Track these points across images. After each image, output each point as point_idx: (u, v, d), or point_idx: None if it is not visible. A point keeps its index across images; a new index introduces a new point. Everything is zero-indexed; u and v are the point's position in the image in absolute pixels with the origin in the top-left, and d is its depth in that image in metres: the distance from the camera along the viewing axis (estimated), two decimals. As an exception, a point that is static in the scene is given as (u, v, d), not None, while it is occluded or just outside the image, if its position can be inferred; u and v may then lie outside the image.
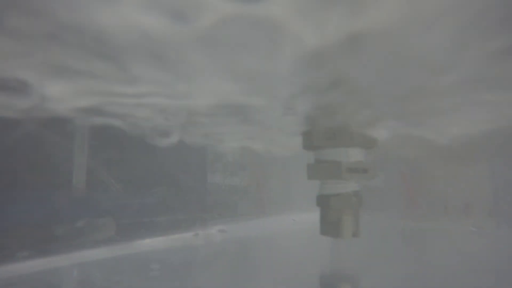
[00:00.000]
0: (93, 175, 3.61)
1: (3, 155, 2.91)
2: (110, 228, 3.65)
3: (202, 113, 2.68)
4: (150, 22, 1.37)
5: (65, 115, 2.58)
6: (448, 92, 2.07)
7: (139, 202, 4.04)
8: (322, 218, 2.97)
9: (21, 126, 3.02)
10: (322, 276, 2.74)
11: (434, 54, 1.60)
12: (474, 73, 1.79)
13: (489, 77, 1.88)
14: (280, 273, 2.71)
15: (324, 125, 2.90)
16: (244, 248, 3.81)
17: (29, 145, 3.07)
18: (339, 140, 2.82)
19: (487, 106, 2.40)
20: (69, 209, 3.33)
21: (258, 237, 4.47)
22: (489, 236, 4.28)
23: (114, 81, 2.00)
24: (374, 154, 3.11)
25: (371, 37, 1.43)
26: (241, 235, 4.60)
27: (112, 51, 1.64)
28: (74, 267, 2.91)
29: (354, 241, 3.49)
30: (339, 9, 1.27)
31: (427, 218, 5.37)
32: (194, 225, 4.60)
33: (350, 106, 2.44)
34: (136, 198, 4.03)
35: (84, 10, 1.35)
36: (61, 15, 1.37)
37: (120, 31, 1.45)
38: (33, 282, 2.49)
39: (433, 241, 4.03)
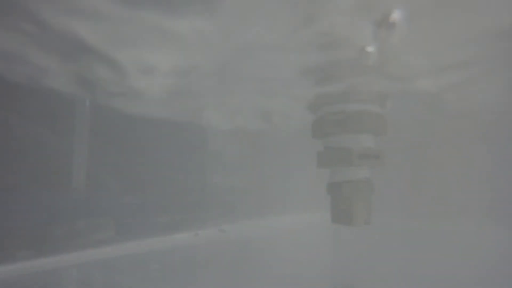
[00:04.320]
0: (93, 175, 3.61)
1: (3, 155, 2.91)
2: (110, 228, 3.65)
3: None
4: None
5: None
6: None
7: (139, 202, 4.04)
8: (333, 206, 2.94)
9: (21, 126, 3.02)
10: (322, 276, 2.73)
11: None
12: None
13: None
14: (280, 272, 2.71)
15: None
16: (244, 248, 3.81)
17: (29, 145, 3.07)
18: (349, 126, 2.79)
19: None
20: (69, 209, 3.33)
21: (258, 237, 4.47)
22: (489, 236, 4.28)
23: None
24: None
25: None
26: (241, 235, 4.60)
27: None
28: (74, 267, 2.91)
29: (354, 240, 3.49)
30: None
31: (427, 217, 5.37)
32: (194, 225, 4.59)
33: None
34: (136, 198, 4.03)
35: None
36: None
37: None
38: (33, 282, 2.49)
39: (433, 241, 4.03)
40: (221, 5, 1.84)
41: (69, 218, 3.32)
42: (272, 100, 3.55)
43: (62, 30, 2.08)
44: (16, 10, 1.89)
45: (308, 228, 5.42)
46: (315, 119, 3.11)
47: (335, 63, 2.47)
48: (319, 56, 2.36)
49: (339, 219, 2.89)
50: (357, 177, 2.83)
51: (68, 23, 2.01)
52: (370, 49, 2.26)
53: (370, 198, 2.87)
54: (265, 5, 1.82)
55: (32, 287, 2.39)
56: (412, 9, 1.89)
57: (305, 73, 2.68)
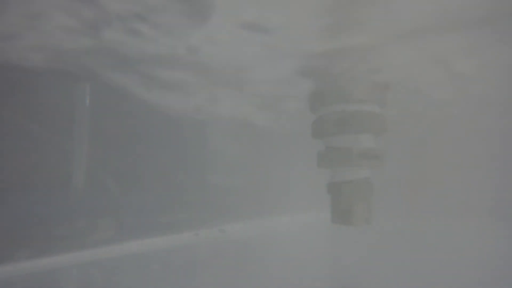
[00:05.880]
0: (93, 174, 3.60)
1: (3, 155, 2.90)
2: (110, 228, 3.65)
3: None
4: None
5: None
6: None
7: (139, 202, 4.04)
8: (333, 206, 2.95)
9: (21, 125, 3.01)
10: (322, 276, 2.73)
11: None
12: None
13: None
14: (280, 272, 2.71)
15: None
16: (244, 248, 3.80)
17: (29, 144, 3.07)
18: (349, 126, 2.79)
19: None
20: (69, 209, 3.33)
21: (258, 237, 4.47)
22: (489, 236, 4.28)
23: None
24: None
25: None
26: (241, 235, 4.60)
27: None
28: (74, 267, 2.90)
29: (354, 240, 3.48)
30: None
31: (427, 217, 5.37)
32: (194, 225, 4.59)
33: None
34: (136, 198, 4.03)
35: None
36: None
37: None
38: (33, 282, 2.49)
39: (433, 241, 4.03)
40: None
41: (70, 217, 3.32)
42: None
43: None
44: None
45: (308, 228, 5.42)
46: (315, 119, 3.12)
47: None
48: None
49: (338, 219, 2.90)
50: (357, 177, 2.83)
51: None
52: None
53: (371, 198, 2.87)
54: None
55: (32, 287, 2.38)
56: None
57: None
